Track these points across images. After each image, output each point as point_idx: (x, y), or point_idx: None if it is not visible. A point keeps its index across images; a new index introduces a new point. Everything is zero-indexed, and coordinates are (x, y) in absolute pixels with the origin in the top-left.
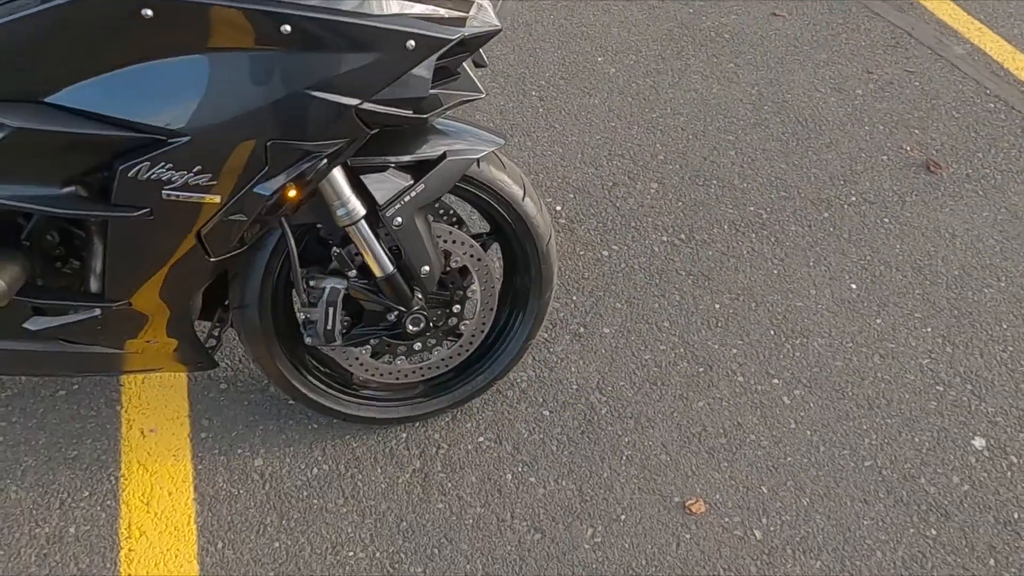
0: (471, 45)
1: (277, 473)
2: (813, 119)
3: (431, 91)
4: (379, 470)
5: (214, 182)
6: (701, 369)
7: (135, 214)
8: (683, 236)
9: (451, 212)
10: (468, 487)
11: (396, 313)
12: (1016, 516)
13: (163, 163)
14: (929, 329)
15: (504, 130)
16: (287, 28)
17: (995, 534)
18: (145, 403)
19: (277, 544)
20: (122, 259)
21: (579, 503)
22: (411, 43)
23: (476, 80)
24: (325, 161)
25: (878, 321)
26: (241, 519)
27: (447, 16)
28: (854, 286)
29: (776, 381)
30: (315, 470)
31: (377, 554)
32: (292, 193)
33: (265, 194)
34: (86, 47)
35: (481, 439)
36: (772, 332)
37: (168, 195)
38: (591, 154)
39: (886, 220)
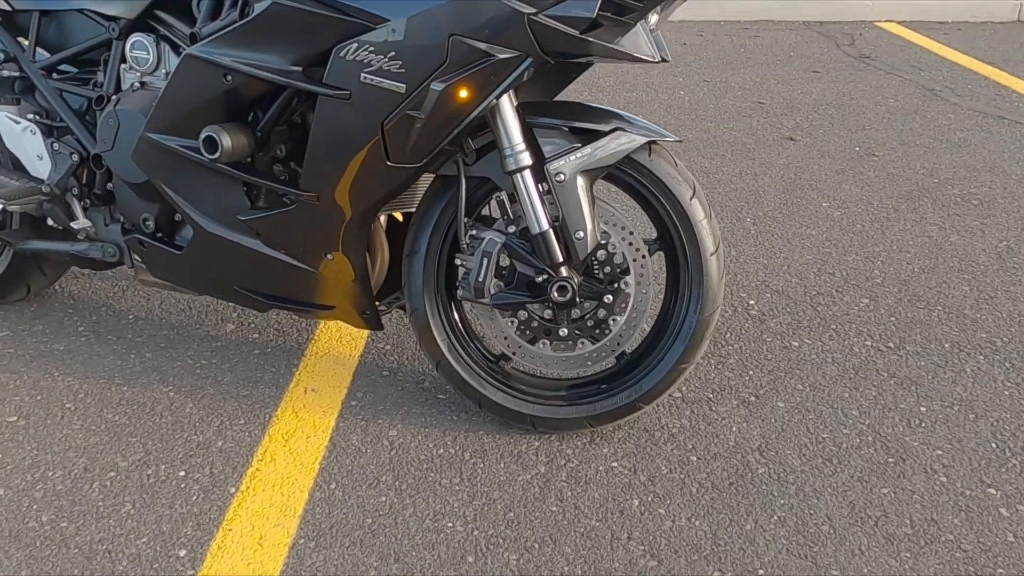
0: (645, 0)
1: (406, 445)
2: None
3: (600, 30)
4: (502, 465)
5: (402, 70)
6: (891, 460)
7: (339, 93)
8: (891, 344)
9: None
10: (589, 501)
11: (544, 277)
12: None
13: (367, 46)
14: None
15: None
16: None
17: None
18: (317, 372)
19: (384, 499)
20: (321, 144)
21: (710, 545)
22: None
23: (651, 46)
24: (495, 64)
25: None
26: (360, 471)
27: None
28: None
29: (992, 491)
30: (441, 451)
31: (475, 532)
32: (463, 94)
33: (438, 89)
34: None
35: (615, 464)
36: (994, 445)
37: (365, 78)
38: (797, 268)
39: None
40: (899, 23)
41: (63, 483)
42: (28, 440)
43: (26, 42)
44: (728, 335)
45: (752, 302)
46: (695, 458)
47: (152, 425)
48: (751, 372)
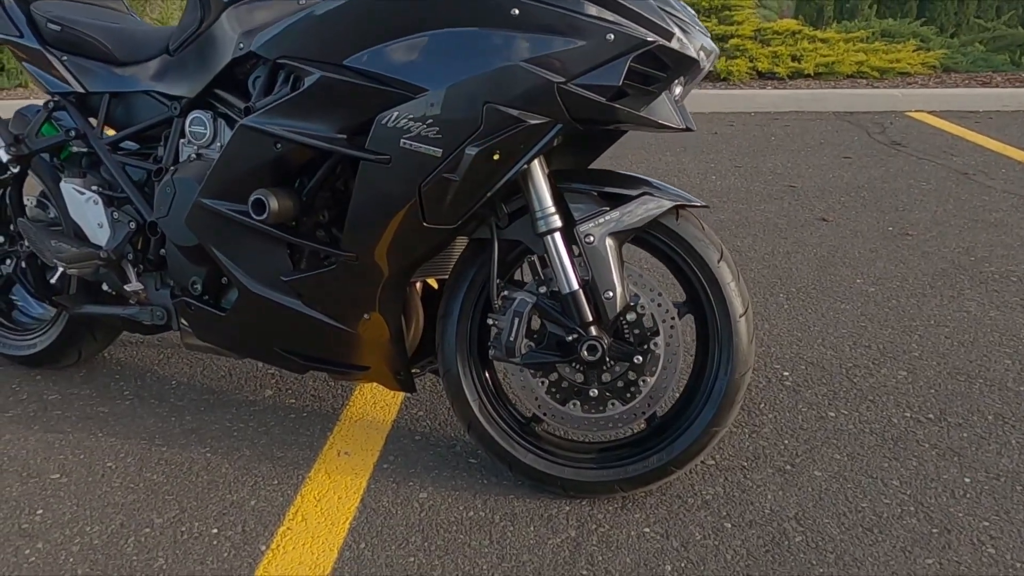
0: (669, 70)
1: (436, 507)
2: None
3: (627, 99)
4: (532, 529)
5: (439, 136)
6: (935, 530)
7: (380, 158)
8: (931, 416)
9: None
10: (620, 565)
11: (574, 336)
12: None
13: (407, 114)
14: None
15: None
16: (516, 11)
17: None
18: (350, 435)
19: (412, 559)
20: (362, 205)
21: None
22: (611, 36)
23: (677, 115)
24: (527, 129)
25: None
26: (390, 532)
27: (649, 30)
28: None
29: None
30: (471, 513)
31: None
32: (496, 158)
33: (472, 153)
34: (373, 24)
35: (647, 530)
36: None
37: (404, 143)
38: (832, 341)
39: None
40: (929, 113)
41: (100, 538)
42: (69, 496)
43: (95, 121)
44: (762, 405)
45: (786, 373)
46: (729, 525)
47: (188, 484)
48: (786, 441)
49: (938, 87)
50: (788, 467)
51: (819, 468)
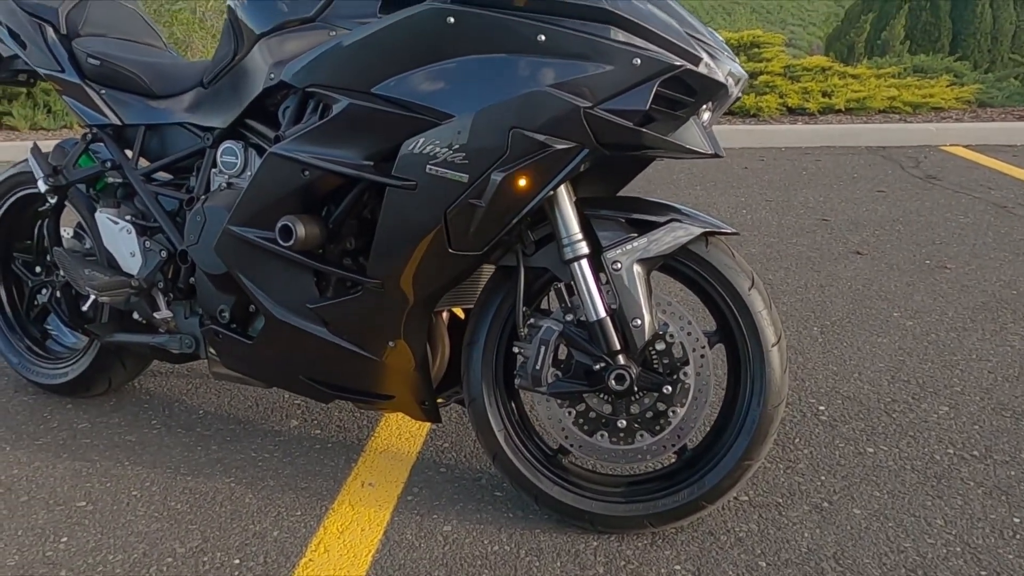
0: (697, 95)
1: (460, 540)
2: None
3: (655, 124)
4: (558, 564)
5: (465, 161)
6: (984, 573)
7: (406, 184)
8: (976, 453)
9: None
10: None
11: (602, 365)
12: None
13: (433, 140)
14: None
15: None
16: (542, 37)
17: None
18: (375, 466)
19: None
20: (388, 231)
21: None
22: (637, 61)
23: (706, 141)
24: (553, 155)
25: None
26: (412, 566)
27: (676, 55)
28: None
29: None
30: (495, 547)
31: None
32: (522, 183)
33: (498, 179)
34: (401, 51)
35: (678, 567)
36: None
37: (430, 169)
38: (870, 376)
39: None
40: (965, 147)
41: (122, 567)
42: (94, 524)
43: (131, 152)
44: (797, 440)
45: (822, 408)
46: (764, 564)
47: (212, 514)
48: (823, 477)
49: (973, 121)
50: (825, 504)
51: (858, 506)
